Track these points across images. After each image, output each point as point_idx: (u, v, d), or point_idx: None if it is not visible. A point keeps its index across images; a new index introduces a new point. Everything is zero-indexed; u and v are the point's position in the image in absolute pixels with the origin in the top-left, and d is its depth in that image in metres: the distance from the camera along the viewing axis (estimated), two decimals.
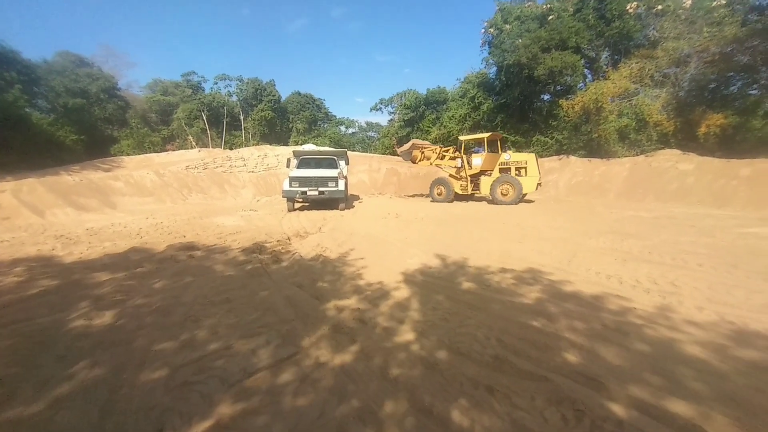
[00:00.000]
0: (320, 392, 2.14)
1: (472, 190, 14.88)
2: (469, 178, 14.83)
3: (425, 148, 16.43)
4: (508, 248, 5.91)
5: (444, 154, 15.82)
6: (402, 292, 3.86)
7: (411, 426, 1.85)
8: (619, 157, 18.85)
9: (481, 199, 15.26)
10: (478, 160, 14.43)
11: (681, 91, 19.25)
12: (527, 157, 13.85)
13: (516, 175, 13.66)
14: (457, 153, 15.56)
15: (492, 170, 14.19)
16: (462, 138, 15.42)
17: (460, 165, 15.01)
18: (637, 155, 18.43)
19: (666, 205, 12.94)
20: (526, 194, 13.98)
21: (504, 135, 25.33)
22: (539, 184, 13.68)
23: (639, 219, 9.24)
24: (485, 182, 14.16)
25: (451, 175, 15.50)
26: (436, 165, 16.10)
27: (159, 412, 1.98)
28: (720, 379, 2.24)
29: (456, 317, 3.20)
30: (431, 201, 15.22)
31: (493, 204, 13.57)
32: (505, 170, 13.93)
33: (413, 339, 2.80)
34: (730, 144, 16.58)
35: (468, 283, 4.15)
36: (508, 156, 13.99)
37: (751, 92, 17.59)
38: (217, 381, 2.26)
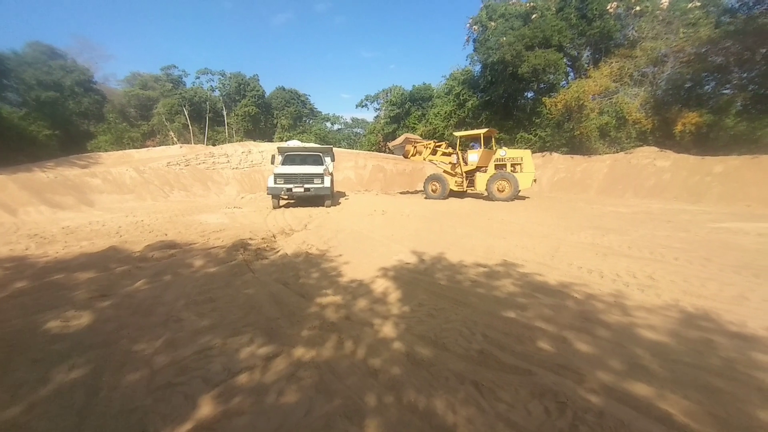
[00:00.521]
0: (306, 390, 2.13)
1: (467, 186, 14.91)
2: (464, 174, 14.82)
3: (417, 142, 16.38)
4: (492, 244, 5.99)
5: (436, 149, 15.78)
6: (387, 289, 3.87)
7: (397, 422, 1.86)
8: (600, 154, 19.31)
9: (475, 195, 15.30)
10: (474, 157, 14.33)
11: (658, 90, 19.81)
12: (522, 154, 13.87)
13: (511, 171, 13.67)
14: (450, 149, 15.58)
15: (487, 167, 14.18)
16: (457, 134, 15.32)
17: (455, 161, 14.94)
18: (617, 152, 18.91)
19: (644, 201, 13.33)
20: (521, 190, 13.94)
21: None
22: (534, 180, 13.70)
23: (618, 214, 9.49)
24: (480, 179, 14.11)
25: (445, 171, 15.44)
26: (429, 160, 16.07)
27: (140, 415, 1.93)
28: (693, 368, 2.33)
29: (441, 313, 3.23)
30: (425, 198, 15.11)
31: (490, 200, 13.59)
32: (500, 167, 13.92)
33: (399, 335, 2.82)
34: (704, 141, 17.18)
35: (453, 279, 4.19)
36: (504, 152, 13.96)
37: (724, 92, 18.22)
38: (200, 381, 2.23)
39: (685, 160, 15.27)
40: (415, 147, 16.00)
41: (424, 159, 15.97)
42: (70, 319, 3.14)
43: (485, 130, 14.75)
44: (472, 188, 14.70)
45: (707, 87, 19.12)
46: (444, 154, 15.59)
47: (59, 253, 5.50)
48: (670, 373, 2.28)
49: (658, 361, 2.41)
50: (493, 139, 15.17)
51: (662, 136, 18.92)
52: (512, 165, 13.78)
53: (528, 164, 13.57)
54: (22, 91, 26.85)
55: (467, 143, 15.61)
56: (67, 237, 6.73)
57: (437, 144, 16.04)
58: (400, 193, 18.72)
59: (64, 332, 2.92)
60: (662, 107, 19.20)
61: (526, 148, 15.01)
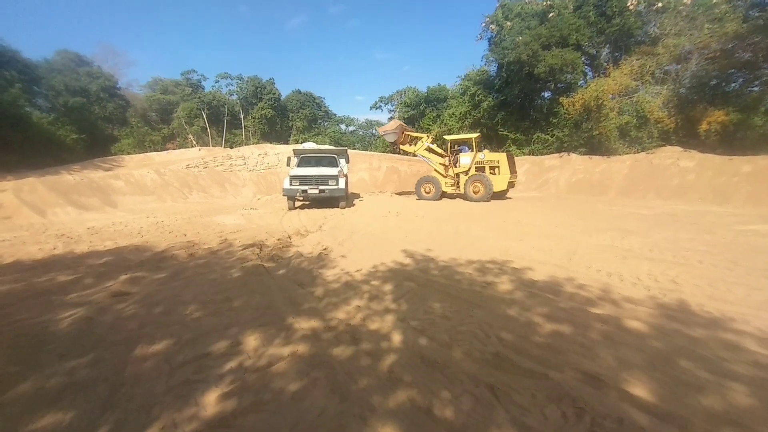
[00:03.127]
0: (321, 390, 2.15)
1: (457, 188, 15.21)
2: (455, 176, 15.19)
3: (409, 132, 16.51)
4: (509, 246, 5.91)
5: (425, 142, 15.93)
6: (401, 291, 3.87)
7: (410, 424, 1.86)
8: (619, 154, 18.81)
9: (459, 196, 15.42)
10: (466, 159, 14.86)
11: (682, 88, 19.19)
12: (500, 157, 14.35)
13: (490, 173, 14.15)
14: (435, 145, 15.85)
15: (470, 169, 14.70)
16: (448, 138, 15.81)
17: (448, 163, 15.38)
18: (638, 152, 18.39)
19: (667, 202, 12.92)
20: (507, 191, 14.61)
21: (505, 133, 25.42)
22: (511, 182, 14.22)
23: (639, 216, 9.22)
24: (463, 180, 14.72)
25: (437, 172, 15.67)
26: (421, 154, 16.13)
27: (160, 410, 1.98)
28: (715, 375, 2.25)
29: (456, 315, 3.20)
30: (417, 199, 15.31)
31: (466, 201, 14.08)
32: (480, 169, 14.46)
33: (413, 337, 2.81)
34: (731, 141, 16.53)
35: (468, 282, 4.15)
36: (483, 155, 14.54)
37: (752, 89, 17.51)
38: (217, 379, 2.27)
39: (710, 160, 14.72)
40: (404, 135, 16.15)
41: (414, 152, 16.12)
42: (95, 316, 3.25)
43: (477, 134, 15.58)
44: (458, 189, 15.12)
45: (734, 84, 18.40)
46: (429, 149, 15.70)
47: (84, 253, 5.70)
48: (694, 379, 2.20)
49: (679, 366, 2.33)
50: (477, 143, 15.46)
51: (686, 135, 18.30)
52: (491, 168, 14.26)
53: (504, 167, 14.05)
54: (51, 97, 27.98)
55: (457, 147, 15.82)
56: (92, 237, 6.98)
57: (428, 137, 16.27)
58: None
59: (89, 328, 3.02)
60: (686, 106, 18.58)
61: (502, 152, 15.43)
